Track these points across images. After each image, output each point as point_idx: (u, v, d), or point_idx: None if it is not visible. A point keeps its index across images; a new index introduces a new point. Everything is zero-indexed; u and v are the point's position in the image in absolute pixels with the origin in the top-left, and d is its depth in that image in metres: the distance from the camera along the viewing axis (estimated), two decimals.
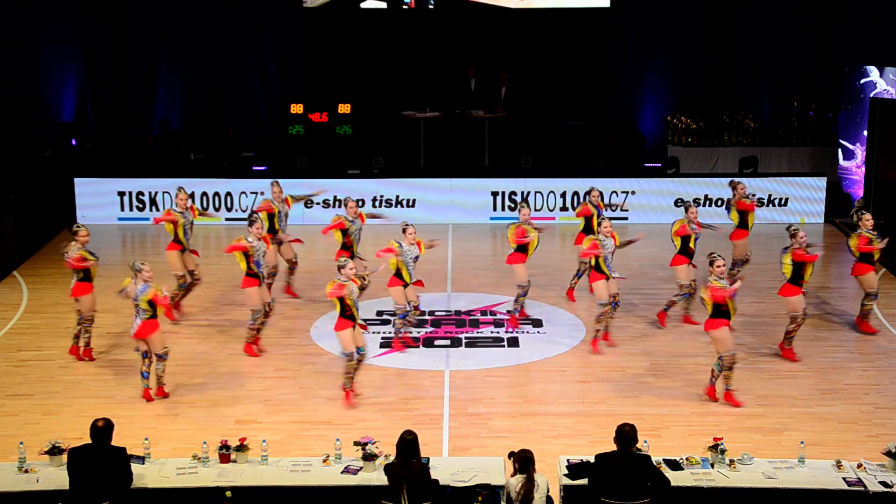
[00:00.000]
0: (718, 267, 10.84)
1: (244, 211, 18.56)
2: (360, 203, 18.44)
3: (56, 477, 8.23)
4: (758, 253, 16.96)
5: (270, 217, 13.93)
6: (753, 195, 14.79)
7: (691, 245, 13.02)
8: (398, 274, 12.17)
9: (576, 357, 12.35)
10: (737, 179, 14.86)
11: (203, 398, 11.18)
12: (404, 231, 12.27)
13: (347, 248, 13.23)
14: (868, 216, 13.10)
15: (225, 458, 8.58)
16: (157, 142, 20.07)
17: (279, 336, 12.98)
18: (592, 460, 7.88)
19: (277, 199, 14.19)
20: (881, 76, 18.84)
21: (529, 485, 7.65)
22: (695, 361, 12.16)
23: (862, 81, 19.25)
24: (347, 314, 10.74)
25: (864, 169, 19.21)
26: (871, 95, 18.94)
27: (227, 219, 18.56)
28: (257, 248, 12.11)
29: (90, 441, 7.86)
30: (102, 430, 7.83)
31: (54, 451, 8.47)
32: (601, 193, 14.44)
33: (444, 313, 13.90)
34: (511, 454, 7.89)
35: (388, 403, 11.05)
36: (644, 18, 21.33)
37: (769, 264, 16.10)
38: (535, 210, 18.50)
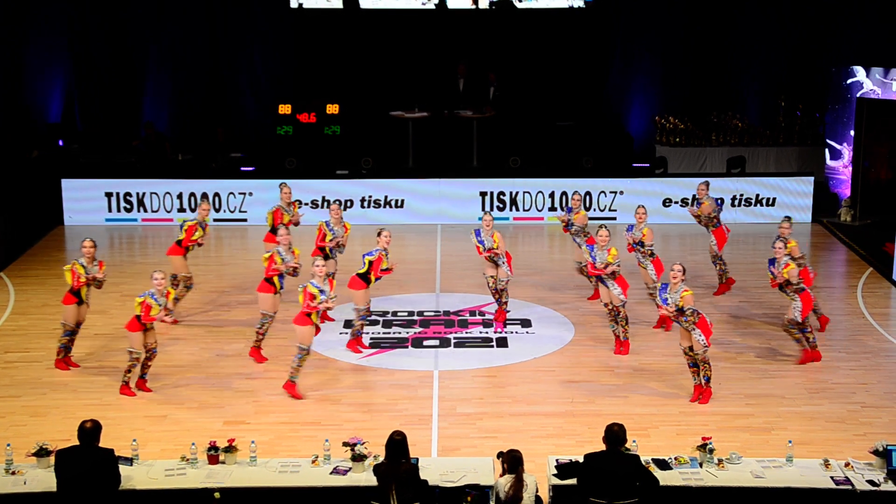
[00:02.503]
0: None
1: (232, 212, 18.53)
2: (349, 204, 18.44)
3: (43, 479, 8.20)
4: (745, 252, 17.03)
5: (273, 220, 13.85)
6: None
7: None
8: (364, 276, 12.10)
9: (564, 357, 12.36)
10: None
11: (191, 399, 11.15)
12: (379, 234, 12.26)
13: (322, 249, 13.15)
14: (787, 225, 12.88)
15: (213, 460, 8.57)
16: (142, 143, 20.01)
17: (268, 336, 12.94)
18: (581, 460, 7.89)
19: (287, 200, 13.99)
20: (867, 76, 18.90)
21: (518, 485, 7.65)
22: (683, 361, 12.17)
23: (848, 81, 19.30)
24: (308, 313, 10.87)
25: (850, 169, 19.28)
26: (858, 95, 19.00)
27: (215, 219, 18.50)
28: (286, 259, 12.15)
29: (78, 443, 7.82)
30: (90, 431, 7.80)
31: (42, 452, 8.43)
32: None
33: (432, 314, 13.89)
34: (500, 454, 7.89)
35: (376, 404, 11.04)
36: (632, 19, 21.36)
37: (754, 264, 16.16)
38: (524, 210, 18.52)
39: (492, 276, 13.13)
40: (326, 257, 13.01)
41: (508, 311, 13.50)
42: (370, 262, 12.11)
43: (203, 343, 12.79)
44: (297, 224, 13.53)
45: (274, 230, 13.63)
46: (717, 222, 14.31)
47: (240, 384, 11.54)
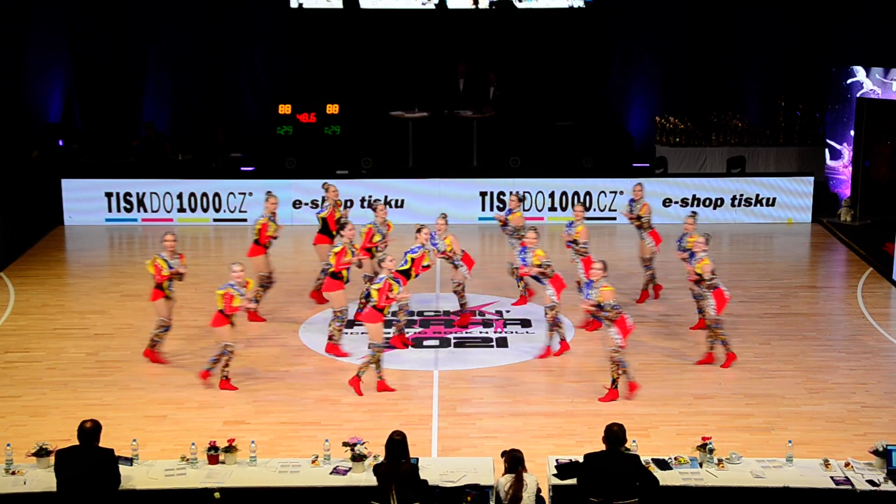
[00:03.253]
0: None
1: (232, 212, 18.53)
2: (349, 204, 18.46)
3: (43, 479, 8.19)
4: (745, 252, 17.04)
5: (326, 221, 13.78)
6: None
7: None
8: (406, 272, 12.08)
9: (564, 357, 12.35)
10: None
11: (191, 399, 11.15)
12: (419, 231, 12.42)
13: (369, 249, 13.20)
14: (691, 220, 12.90)
15: (213, 460, 8.56)
16: (142, 143, 20.00)
17: (268, 336, 12.96)
18: (581, 460, 7.89)
19: (334, 198, 13.94)
20: (867, 76, 18.90)
21: (518, 484, 7.65)
22: (683, 361, 12.18)
23: (848, 81, 19.30)
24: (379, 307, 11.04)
25: (850, 168, 19.28)
26: (858, 95, 18.99)
27: (214, 219, 18.52)
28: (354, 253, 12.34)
29: (77, 443, 7.82)
30: (90, 431, 7.80)
31: (41, 452, 8.43)
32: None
33: (432, 313, 13.89)
34: (503, 454, 7.89)
35: (376, 404, 11.04)
36: (632, 19, 21.36)
37: (754, 264, 16.18)
38: (524, 210, 18.48)
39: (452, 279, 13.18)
40: (371, 257, 13.04)
41: (474, 314, 13.54)
42: (412, 259, 12.17)
43: (203, 343, 12.78)
44: (343, 226, 13.25)
45: (328, 232, 13.65)
46: (650, 225, 14.04)
47: (240, 384, 11.54)
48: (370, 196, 17.98)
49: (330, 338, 12.41)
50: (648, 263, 14.16)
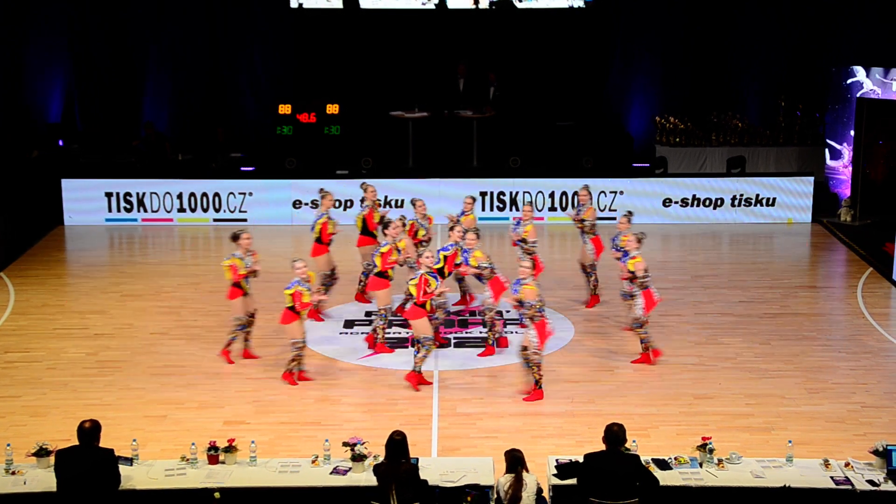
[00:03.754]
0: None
1: (232, 212, 18.52)
2: (349, 204, 18.45)
3: (43, 479, 8.19)
4: (745, 252, 17.03)
5: (365, 221, 13.73)
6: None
7: None
8: (439, 271, 12.08)
9: (564, 357, 12.35)
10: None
11: (191, 399, 11.15)
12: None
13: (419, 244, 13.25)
14: (624, 220, 12.81)
15: (213, 460, 8.56)
16: (142, 143, 20.01)
17: (267, 337, 12.95)
18: (581, 460, 7.88)
19: (372, 198, 13.85)
20: (867, 76, 18.90)
21: (517, 484, 7.65)
22: (683, 361, 12.18)
23: (848, 81, 19.30)
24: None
25: (850, 169, 19.28)
26: (858, 95, 18.99)
27: (214, 220, 18.51)
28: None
29: (77, 443, 7.82)
30: (89, 431, 7.80)
31: (41, 452, 8.43)
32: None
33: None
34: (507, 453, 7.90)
35: (376, 404, 11.04)
36: (632, 19, 21.36)
37: (754, 264, 16.17)
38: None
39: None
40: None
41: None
42: (445, 257, 12.23)
43: (203, 343, 12.78)
44: (387, 225, 13.22)
45: (369, 233, 13.64)
46: (593, 231, 13.93)
47: (240, 384, 11.54)
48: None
49: (373, 335, 12.42)
50: (590, 270, 14.02)
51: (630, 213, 13.11)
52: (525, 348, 11.02)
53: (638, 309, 11.85)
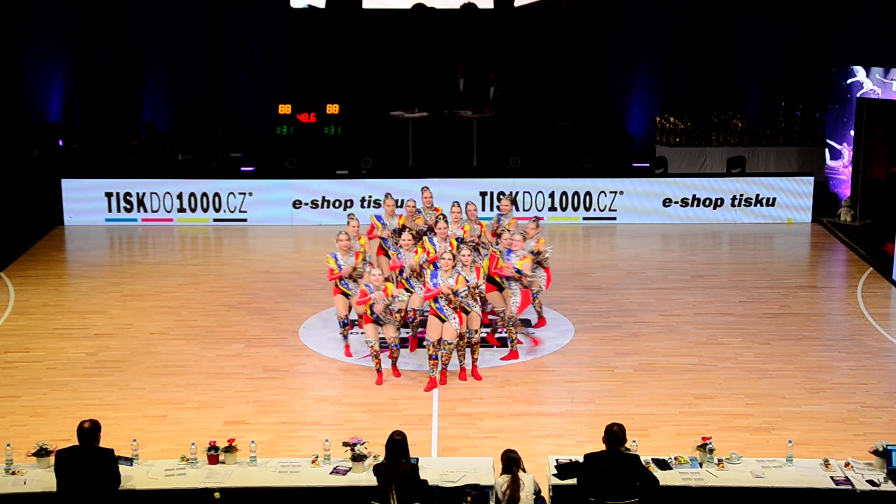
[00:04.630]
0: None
1: (232, 212, 18.52)
2: (349, 204, 18.45)
3: (43, 479, 8.20)
4: (745, 252, 17.04)
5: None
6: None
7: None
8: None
9: (564, 357, 12.35)
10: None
11: (191, 399, 11.15)
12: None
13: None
14: (533, 226, 12.58)
15: (213, 460, 8.57)
16: (142, 143, 20.01)
17: (268, 336, 12.96)
18: (581, 460, 7.89)
19: (430, 204, 13.35)
20: (868, 76, 18.90)
21: (514, 485, 7.66)
22: (683, 361, 12.19)
23: (848, 81, 19.30)
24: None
25: (850, 169, 19.28)
26: (858, 95, 18.99)
27: (214, 219, 18.51)
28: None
29: (77, 443, 7.82)
30: (89, 431, 7.80)
31: (41, 452, 8.43)
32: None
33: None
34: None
35: (376, 404, 11.04)
36: (632, 19, 21.36)
37: (755, 264, 16.17)
38: (524, 210, 18.50)
39: None
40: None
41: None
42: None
43: (203, 343, 12.78)
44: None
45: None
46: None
47: (240, 384, 11.54)
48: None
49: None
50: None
51: (538, 218, 12.92)
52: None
53: (514, 306, 11.91)
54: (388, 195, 13.39)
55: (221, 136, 20.20)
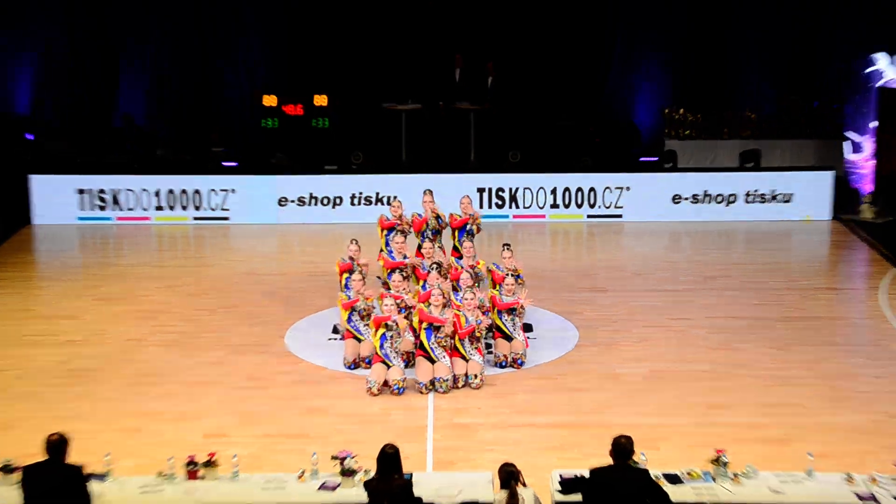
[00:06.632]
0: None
1: (213, 210, 18.45)
2: (338, 201, 18.40)
3: (9, 497, 8.11)
4: (760, 252, 17.00)
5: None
6: None
7: None
8: None
9: (568, 364, 12.29)
10: None
11: (169, 410, 11.06)
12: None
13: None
14: (508, 255, 12.65)
15: (192, 475, 8.49)
16: (120, 137, 19.95)
17: (251, 343, 12.89)
18: (587, 475, 7.83)
19: (432, 210, 13.57)
20: (891, 63, 18.87)
21: (513, 500, 7.59)
22: (695, 368, 12.13)
23: (868, 70, 19.29)
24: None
25: (872, 162, 19.25)
26: (878, 85, 18.97)
27: (195, 218, 18.44)
28: None
29: (46, 457, 7.73)
30: (56, 444, 7.70)
31: (7, 469, 8.34)
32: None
33: None
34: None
35: (367, 415, 10.97)
36: (638, 3, 21.33)
37: (770, 264, 16.13)
38: (524, 207, 18.45)
39: None
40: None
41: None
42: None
43: (182, 350, 12.70)
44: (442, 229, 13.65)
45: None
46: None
47: (221, 394, 11.46)
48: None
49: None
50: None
51: (508, 245, 12.91)
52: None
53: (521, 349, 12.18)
54: (395, 198, 13.73)
55: (216, 137, 20.06)
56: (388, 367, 11.40)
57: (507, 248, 12.75)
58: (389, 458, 7.72)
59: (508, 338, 12.17)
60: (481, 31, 20.98)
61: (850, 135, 19.83)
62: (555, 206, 18.55)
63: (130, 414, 11.00)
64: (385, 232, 13.42)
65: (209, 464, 8.54)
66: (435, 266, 12.37)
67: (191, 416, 10.95)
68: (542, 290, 14.85)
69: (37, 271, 16.17)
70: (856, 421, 10.80)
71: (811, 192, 18.56)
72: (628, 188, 18.49)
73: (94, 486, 8.04)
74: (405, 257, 12.83)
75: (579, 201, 18.52)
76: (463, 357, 11.56)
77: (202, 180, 18.51)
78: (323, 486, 8.37)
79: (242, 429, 10.64)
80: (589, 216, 18.51)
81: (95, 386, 11.67)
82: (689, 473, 8.51)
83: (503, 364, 12.12)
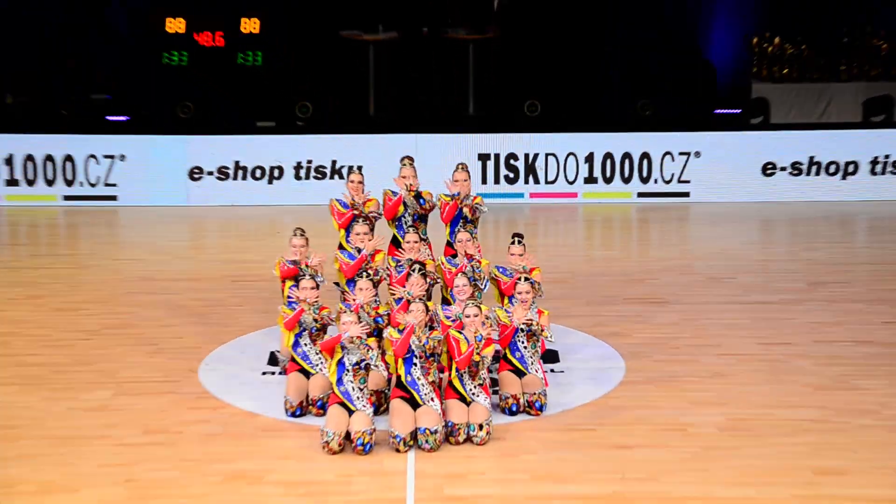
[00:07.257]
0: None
1: (93, 185, 18.48)
2: (276, 174, 18.42)
3: None
4: (890, 247, 17.05)
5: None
6: None
7: None
8: None
9: (611, 410, 12.31)
10: None
11: (28, 479, 11.04)
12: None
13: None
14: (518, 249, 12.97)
15: None
16: None
17: (149, 379, 12.89)
18: None
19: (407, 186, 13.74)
20: None
21: None
22: (797, 415, 12.16)
23: None
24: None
25: None
26: None
27: (66, 197, 18.46)
28: None
29: None
30: None
31: None
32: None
33: None
34: None
35: (319, 483, 10.97)
36: None
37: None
38: (547, 183, 18.51)
39: None
40: None
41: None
42: None
43: (49, 390, 12.70)
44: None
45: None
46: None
47: (105, 453, 11.45)
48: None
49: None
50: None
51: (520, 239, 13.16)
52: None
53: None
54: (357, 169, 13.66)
55: (73, 66, 20.07)
56: (351, 412, 11.39)
57: (518, 242, 12.78)
58: None
59: (519, 372, 12.17)
60: None
61: None
62: (591, 180, 18.64)
63: None
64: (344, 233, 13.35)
65: None
66: (417, 267, 12.37)
67: (60, 487, 10.93)
68: (572, 301, 14.89)
69: None
70: None
71: None
72: (698, 154, 18.59)
73: None
74: (360, 251, 12.78)
75: (626, 174, 18.61)
76: (462, 398, 11.52)
77: (76, 141, 18.53)
78: None
79: None
80: (640, 195, 18.61)
81: None
82: None
83: (514, 409, 12.13)
